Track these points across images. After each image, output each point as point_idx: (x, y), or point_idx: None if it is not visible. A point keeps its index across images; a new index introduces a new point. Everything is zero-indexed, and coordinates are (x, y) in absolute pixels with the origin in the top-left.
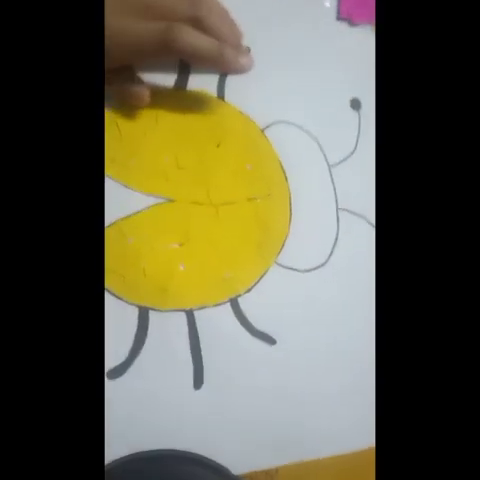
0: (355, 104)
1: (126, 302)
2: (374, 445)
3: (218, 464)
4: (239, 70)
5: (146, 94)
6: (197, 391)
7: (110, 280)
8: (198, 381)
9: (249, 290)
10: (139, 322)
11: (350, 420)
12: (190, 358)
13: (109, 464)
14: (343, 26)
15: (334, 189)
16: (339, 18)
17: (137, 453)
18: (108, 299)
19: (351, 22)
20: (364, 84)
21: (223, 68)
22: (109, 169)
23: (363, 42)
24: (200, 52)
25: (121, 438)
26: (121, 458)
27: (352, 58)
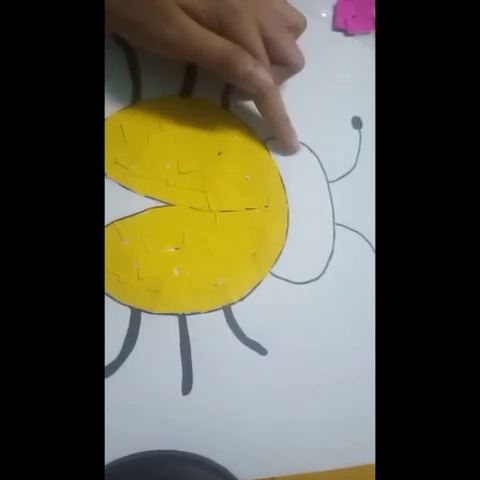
0: (356, 123)
1: (119, 302)
2: (374, 462)
3: (218, 465)
4: (290, 145)
5: (270, 81)
6: (185, 396)
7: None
8: (187, 386)
9: (242, 299)
10: (131, 323)
11: (345, 434)
12: (180, 363)
13: (109, 464)
14: (338, 36)
15: (331, 204)
16: (335, 28)
17: (137, 453)
18: None
19: (347, 32)
20: (365, 103)
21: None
22: (111, 171)
23: (360, 53)
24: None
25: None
26: (121, 458)
27: (352, 73)
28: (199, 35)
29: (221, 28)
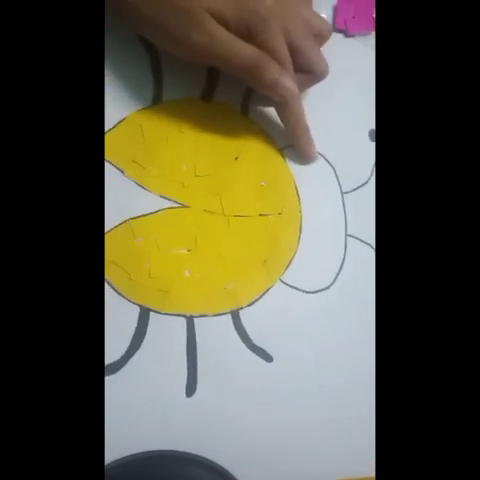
0: (373, 135)
1: (128, 300)
2: (374, 475)
3: (218, 465)
4: (308, 154)
5: (295, 90)
6: (189, 398)
7: (115, 277)
8: (191, 388)
9: (251, 304)
10: (139, 322)
11: (348, 440)
12: (185, 364)
13: (109, 464)
14: (339, 37)
15: (345, 215)
16: (335, 29)
17: (137, 453)
18: (111, 295)
19: (347, 33)
20: None
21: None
22: (128, 169)
23: (361, 55)
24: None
25: (113, 436)
26: (121, 458)
27: (355, 76)
28: (227, 41)
29: (249, 35)
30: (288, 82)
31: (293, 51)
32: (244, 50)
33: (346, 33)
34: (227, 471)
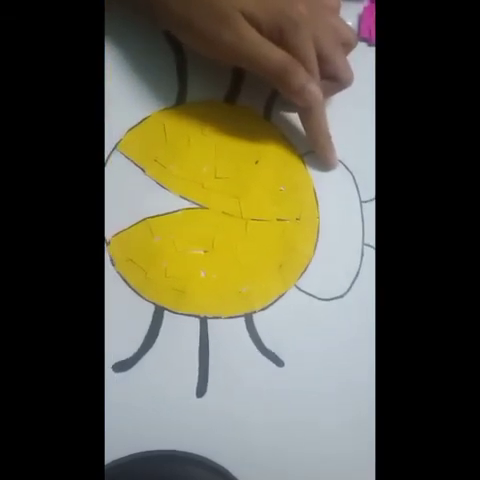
0: None
1: (143, 298)
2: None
3: (219, 465)
4: (329, 161)
5: (321, 96)
6: (199, 399)
7: (131, 274)
8: (201, 389)
9: (265, 308)
10: (153, 321)
11: (349, 454)
12: (197, 365)
13: (109, 464)
14: (362, 46)
15: (362, 224)
16: (360, 38)
17: (137, 453)
18: (126, 292)
19: (371, 42)
20: None
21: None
22: (149, 168)
23: None
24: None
25: (120, 435)
26: (121, 458)
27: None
28: (257, 43)
29: (280, 39)
30: (314, 88)
31: (321, 58)
32: (273, 53)
33: (370, 42)
34: (228, 472)
